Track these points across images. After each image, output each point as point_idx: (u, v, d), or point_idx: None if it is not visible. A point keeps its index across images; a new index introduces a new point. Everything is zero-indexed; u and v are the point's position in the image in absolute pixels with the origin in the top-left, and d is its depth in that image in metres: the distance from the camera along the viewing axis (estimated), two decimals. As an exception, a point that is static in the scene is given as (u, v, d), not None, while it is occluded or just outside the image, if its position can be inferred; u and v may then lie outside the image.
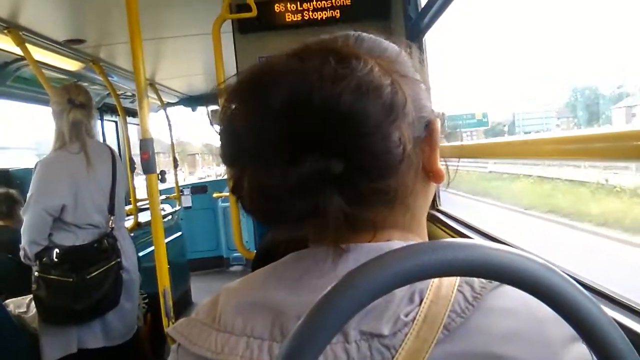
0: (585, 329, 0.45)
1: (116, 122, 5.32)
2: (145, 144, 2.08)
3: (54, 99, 2.85)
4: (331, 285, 0.45)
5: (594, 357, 0.47)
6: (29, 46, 3.18)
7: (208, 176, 17.18)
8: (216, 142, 0.59)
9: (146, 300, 3.63)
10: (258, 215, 0.59)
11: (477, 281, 0.55)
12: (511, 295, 0.54)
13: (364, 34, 0.64)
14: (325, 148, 0.52)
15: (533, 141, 1.13)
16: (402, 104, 0.55)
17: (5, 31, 3.06)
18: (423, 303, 0.54)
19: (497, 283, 0.55)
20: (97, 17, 3.36)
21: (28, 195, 2.73)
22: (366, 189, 0.55)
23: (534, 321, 0.53)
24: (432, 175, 0.62)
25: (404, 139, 0.55)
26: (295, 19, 2.84)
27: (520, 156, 1.25)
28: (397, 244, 0.57)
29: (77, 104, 2.79)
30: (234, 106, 0.57)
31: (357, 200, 0.54)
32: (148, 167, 2.10)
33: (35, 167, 2.80)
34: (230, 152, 0.58)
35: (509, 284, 0.46)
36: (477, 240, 0.48)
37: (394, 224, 0.61)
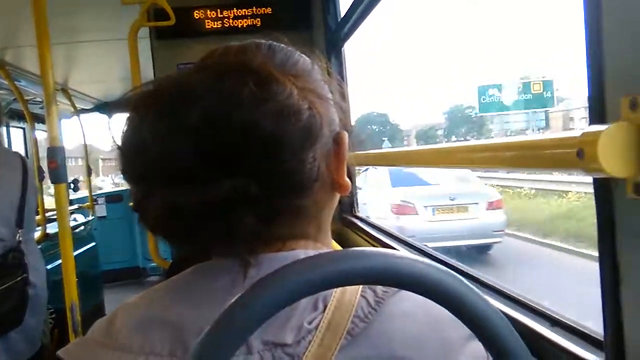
0: (479, 327, 0.48)
1: (24, 129, 5.04)
2: (54, 152, 1.99)
3: None
4: (235, 297, 0.45)
5: (489, 353, 0.50)
6: None
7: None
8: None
9: (53, 316, 3.46)
10: (165, 235, 0.57)
11: (379, 286, 0.56)
12: (411, 299, 0.55)
13: (275, 44, 0.64)
14: (242, 169, 0.52)
15: (446, 149, 1.16)
16: (319, 127, 0.56)
17: None
18: (327, 310, 0.54)
19: None
20: (1, 18, 3.18)
21: None
22: (280, 208, 0.55)
23: (432, 323, 0.55)
24: (338, 187, 0.63)
25: (318, 159, 0.56)
26: (215, 26, 2.81)
27: (430, 165, 1.29)
28: (302, 253, 0.57)
29: None
30: (138, 121, 0.55)
31: (270, 218, 0.55)
32: (56, 176, 2.01)
33: None
34: (136, 168, 0.56)
35: (405, 289, 0.48)
36: (375, 249, 0.50)
37: (302, 234, 0.61)
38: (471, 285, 0.49)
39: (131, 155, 0.56)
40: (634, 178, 0.64)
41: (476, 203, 8.94)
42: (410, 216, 8.68)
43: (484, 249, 8.93)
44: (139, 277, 6.77)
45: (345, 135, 0.63)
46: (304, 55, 0.65)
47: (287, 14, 2.87)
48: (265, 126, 0.52)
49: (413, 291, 0.48)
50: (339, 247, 0.73)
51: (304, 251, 0.59)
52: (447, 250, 7.08)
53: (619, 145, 0.62)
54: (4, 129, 4.58)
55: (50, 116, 1.96)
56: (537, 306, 1.02)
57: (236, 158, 0.52)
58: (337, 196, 0.66)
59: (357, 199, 2.56)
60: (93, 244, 5.06)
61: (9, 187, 2.69)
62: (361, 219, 2.32)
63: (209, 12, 2.81)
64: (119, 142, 0.57)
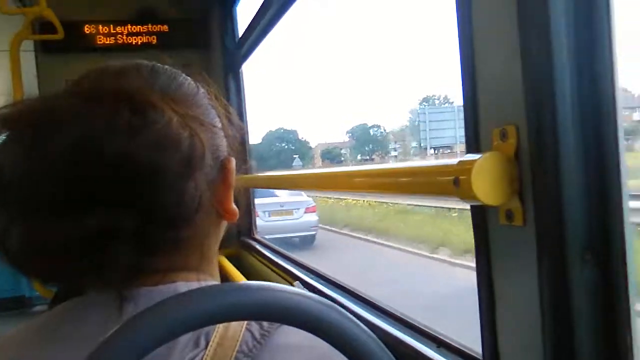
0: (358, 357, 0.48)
1: None
2: None
3: None
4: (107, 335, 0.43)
5: None
6: None
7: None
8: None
9: None
10: (29, 271, 0.53)
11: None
12: (298, 332, 0.53)
13: (159, 66, 0.61)
14: (114, 202, 0.48)
15: (328, 174, 1.18)
16: (200, 155, 0.53)
17: None
18: (209, 346, 0.52)
19: None
20: None
21: None
22: (159, 240, 0.52)
23: (317, 356, 0.54)
24: (225, 214, 0.61)
25: (199, 188, 0.53)
26: (108, 42, 2.72)
27: (313, 188, 1.31)
28: (183, 286, 0.55)
29: None
30: (1, 140, 0.51)
31: (148, 251, 0.51)
32: None
33: None
34: None
35: (294, 325, 0.47)
36: (255, 282, 0.48)
37: (183, 266, 0.58)
38: (352, 317, 0.49)
39: None
40: (505, 205, 0.68)
41: (298, 208, 13.39)
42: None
43: (308, 237, 13.75)
44: (24, 307, 6.30)
45: (232, 161, 0.61)
46: (189, 78, 0.62)
47: (184, 32, 2.83)
48: (140, 157, 0.48)
49: (293, 325, 0.47)
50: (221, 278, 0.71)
51: (185, 283, 0.56)
52: (283, 240, 11.06)
53: (491, 174, 0.65)
54: None
55: None
56: (423, 327, 1.05)
57: (107, 190, 0.48)
58: (224, 223, 0.64)
59: (255, 221, 2.53)
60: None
61: None
62: (259, 242, 2.29)
63: (101, 27, 2.72)
64: None
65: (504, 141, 0.67)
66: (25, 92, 2.42)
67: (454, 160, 0.68)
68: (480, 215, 0.74)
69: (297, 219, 13.42)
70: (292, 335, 0.54)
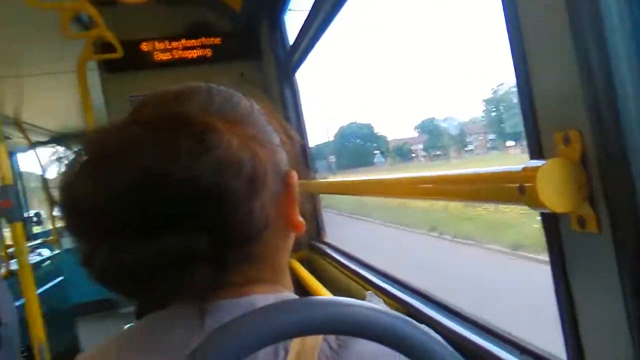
0: None
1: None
2: (5, 191, 1.92)
3: None
4: (192, 347, 0.45)
5: None
6: None
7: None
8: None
9: (25, 354, 3.36)
10: (114, 289, 0.55)
11: None
12: (373, 344, 0.54)
13: (215, 88, 0.62)
14: (185, 224, 0.50)
15: (392, 180, 1.16)
16: (263, 176, 0.54)
17: None
18: (288, 356, 0.53)
19: None
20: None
21: None
22: (232, 258, 0.54)
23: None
24: (292, 226, 0.62)
25: (265, 206, 0.55)
26: (165, 57, 2.80)
27: (378, 194, 1.28)
28: (259, 299, 0.57)
29: None
30: (76, 175, 0.53)
31: (223, 268, 0.53)
32: (11, 215, 1.94)
33: None
34: (78, 227, 0.54)
35: (369, 339, 0.48)
36: (334, 298, 0.49)
37: (257, 278, 0.60)
38: (428, 331, 0.49)
39: (71, 212, 0.54)
40: (576, 212, 0.65)
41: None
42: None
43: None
44: (113, 308, 6.62)
45: (294, 174, 0.62)
46: (244, 98, 0.63)
47: (237, 44, 2.86)
48: (204, 181, 0.50)
49: (369, 339, 0.48)
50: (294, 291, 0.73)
51: (262, 296, 0.57)
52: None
53: (557, 180, 0.62)
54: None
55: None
56: (505, 334, 1.02)
57: (178, 213, 0.50)
58: (293, 235, 0.65)
59: (323, 225, 2.54)
60: (61, 278, 4.94)
61: None
62: (329, 245, 2.30)
63: (156, 44, 2.80)
64: (59, 198, 0.54)
65: (567, 146, 0.64)
66: (93, 107, 2.52)
67: (517, 167, 0.66)
68: (552, 222, 0.72)
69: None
70: (367, 344, 0.54)
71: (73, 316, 5.17)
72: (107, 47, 2.52)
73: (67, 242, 5.96)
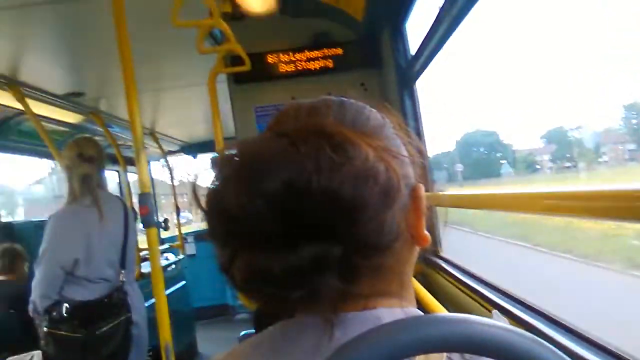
0: None
1: (118, 171, 5.34)
2: (144, 198, 2.07)
3: (65, 153, 2.86)
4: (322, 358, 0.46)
5: None
6: (29, 101, 3.23)
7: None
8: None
9: (150, 354, 3.56)
10: (252, 296, 0.58)
11: None
12: None
13: (346, 101, 0.65)
14: (323, 234, 0.52)
15: (527, 195, 1.09)
16: (397, 186, 0.55)
17: (5, 87, 3.12)
18: None
19: None
20: (95, 70, 3.43)
21: (41, 249, 2.69)
22: (362, 268, 0.55)
23: None
24: (417, 240, 0.62)
25: (398, 218, 0.56)
26: (289, 69, 2.90)
27: (525, 210, 1.19)
28: (387, 312, 0.58)
29: (86, 158, 2.79)
30: (221, 185, 0.57)
31: (352, 278, 0.55)
32: (148, 221, 2.08)
33: (48, 220, 2.79)
34: (221, 234, 0.57)
35: (491, 357, 0.47)
36: (463, 315, 0.48)
37: (384, 292, 0.61)
38: (563, 355, 0.47)
39: (215, 220, 0.57)
40: None
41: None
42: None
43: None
44: (228, 314, 6.90)
45: (421, 188, 0.63)
46: (374, 110, 0.65)
47: (358, 53, 2.91)
48: (343, 192, 0.52)
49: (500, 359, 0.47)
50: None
51: (388, 310, 0.59)
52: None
53: None
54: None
55: (140, 163, 2.04)
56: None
57: (317, 224, 0.52)
58: (417, 249, 0.65)
59: (440, 240, 2.47)
60: (184, 282, 5.22)
61: (113, 231, 2.85)
62: (446, 260, 2.23)
63: (281, 56, 2.90)
64: (204, 206, 0.58)
65: None
66: (221, 118, 2.65)
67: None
68: None
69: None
70: None
71: (193, 320, 5.44)
72: (235, 60, 2.66)
73: (190, 248, 6.31)
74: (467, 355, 0.55)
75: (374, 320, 0.55)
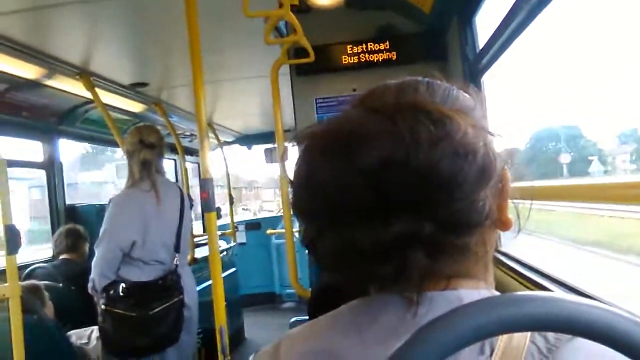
0: None
1: (175, 160, 5.49)
2: (206, 184, 2.13)
3: (128, 139, 3.00)
4: (403, 337, 0.45)
5: None
6: (97, 90, 3.37)
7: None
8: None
9: (200, 336, 3.66)
10: (339, 272, 0.58)
11: (550, 332, 0.53)
12: (587, 349, 0.52)
13: (433, 82, 0.63)
14: (416, 209, 0.52)
15: (617, 185, 1.05)
16: (493, 165, 0.55)
17: (77, 77, 3.26)
18: (494, 355, 0.52)
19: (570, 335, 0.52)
20: (160, 62, 3.54)
21: (101, 230, 2.83)
22: (450, 246, 0.54)
23: None
24: (500, 224, 0.61)
25: (490, 198, 0.56)
26: (352, 61, 2.90)
27: (598, 200, 1.16)
28: (467, 293, 0.57)
29: (147, 144, 2.91)
30: (314, 160, 0.56)
31: (438, 256, 0.54)
32: (208, 206, 2.15)
33: (108, 203, 2.92)
34: (311, 207, 0.56)
35: (597, 341, 0.45)
36: (557, 292, 0.47)
37: (466, 273, 0.59)
38: None
39: (305, 193, 0.57)
40: None
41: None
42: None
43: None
44: (275, 302, 7.00)
45: (508, 171, 0.61)
46: (461, 91, 0.64)
47: (422, 46, 2.89)
48: (442, 167, 0.51)
49: (598, 341, 0.45)
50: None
51: (468, 291, 0.57)
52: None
53: None
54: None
55: (203, 150, 2.11)
56: None
57: (413, 200, 0.51)
58: (497, 232, 0.63)
59: (499, 233, 2.43)
60: (234, 269, 5.33)
61: (169, 215, 2.95)
62: (506, 255, 2.21)
63: (345, 47, 2.91)
64: (292, 179, 0.58)
65: None
66: (282, 110, 2.70)
67: None
68: None
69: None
70: (580, 352, 0.52)
71: (241, 306, 5.54)
72: (299, 52, 2.70)
73: (241, 237, 6.44)
74: (551, 340, 0.53)
75: (457, 300, 0.53)
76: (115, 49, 3.17)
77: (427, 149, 0.51)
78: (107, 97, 3.70)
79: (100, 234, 2.83)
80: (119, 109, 4.09)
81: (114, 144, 3.85)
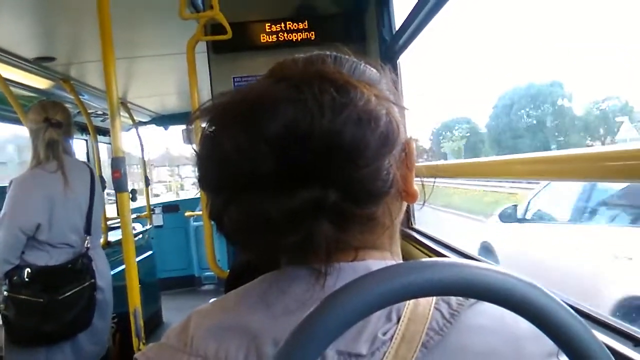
0: (572, 347, 0.46)
1: (86, 141, 5.25)
2: (117, 162, 2.06)
3: (31, 117, 2.82)
4: (312, 307, 0.46)
5: None
6: (-4, 64, 3.15)
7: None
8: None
9: (115, 320, 3.57)
10: (243, 243, 0.58)
11: (453, 298, 0.56)
12: (488, 313, 0.55)
13: (341, 56, 0.64)
14: (321, 178, 0.52)
15: (512, 160, 1.13)
16: (396, 133, 0.56)
17: (-28, 49, 3.02)
18: (400, 321, 0.54)
19: (473, 300, 0.55)
20: (67, 35, 3.33)
21: (1, 212, 2.68)
22: (355, 216, 0.55)
23: (511, 338, 0.54)
24: (406, 195, 0.62)
25: (393, 166, 0.57)
26: (270, 40, 2.87)
27: (499, 175, 1.25)
28: (374, 264, 0.58)
29: (53, 123, 2.76)
30: (218, 131, 0.56)
31: (344, 226, 0.55)
32: (120, 185, 2.08)
33: (9, 185, 2.76)
34: (217, 179, 0.56)
35: (496, 303, 0.47)
36: (460, 259, 0.49)
37: (372, 244, 0.61)
38: (557, 298, 0.47)
39: (211, 165, 0.56)
40: None
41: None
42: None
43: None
44: (194, 285, 6.92)
45: (413, 142, 0.63)
46: (368, 66, 0.65)
47: (341, 27, 2.91)
48: (345, 133, 0.52)
49: (503, 306, 0.47)
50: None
51: (376, 262, 0.59)
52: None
53: None
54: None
55: (115, 129, 2.04)
56: (619, 326, 0.99)
57: (317, 167, 0.52)
58: (405, 205, 0.65)
59: (414, 212, 2.53)
60: (150, 252, 5.21)
61: (79, 197, 2.84)
62: (418, 232, 2.29)
63: (263, 25, 2.88)
64: (197, 151, 0.58)
65: None
66: (199, 89, 2.64)
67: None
68: None
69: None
70: (483, 316, 0.55)
71: (158, 289, 5.44)
72: (216, 28, 2.63)
73: (158, 219, 6.28)
74: (454, 305, 0.55)
75: (365, 271, 0.52)
76: (17, 19, 2.96)
77: (330, 115, 0.52)
78: (8, 72, 3.46)
79: (0, 216, 2.67)
80: (22, 84, 3.84)
81: (17, 122, 3.62)
